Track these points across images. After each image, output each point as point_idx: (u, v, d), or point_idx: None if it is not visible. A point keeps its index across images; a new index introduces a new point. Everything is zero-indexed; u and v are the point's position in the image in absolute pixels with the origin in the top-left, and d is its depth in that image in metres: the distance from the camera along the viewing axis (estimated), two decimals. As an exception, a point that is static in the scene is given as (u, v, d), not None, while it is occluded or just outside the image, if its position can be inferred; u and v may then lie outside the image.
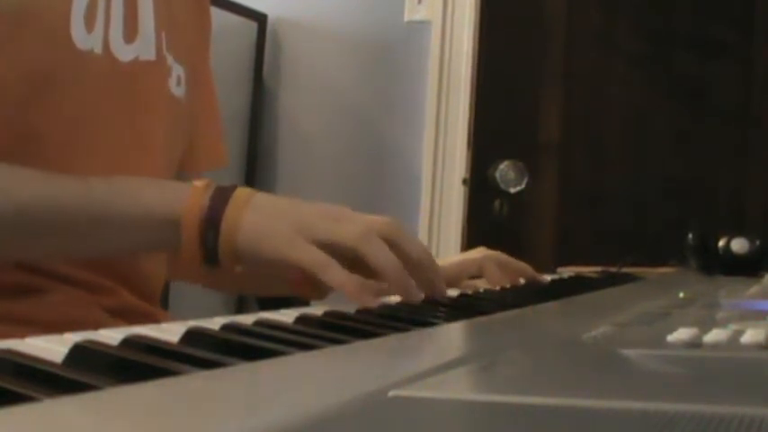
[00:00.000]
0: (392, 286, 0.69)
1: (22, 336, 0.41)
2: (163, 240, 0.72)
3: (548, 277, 1.14)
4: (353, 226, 0.69)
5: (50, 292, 0.77)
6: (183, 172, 0.95)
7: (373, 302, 0.66)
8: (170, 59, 0.88)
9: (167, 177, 0.90)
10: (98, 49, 0.79)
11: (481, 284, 0.98)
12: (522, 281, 1.02)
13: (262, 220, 0.69)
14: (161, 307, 0.90)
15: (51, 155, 0.76)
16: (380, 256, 0.67)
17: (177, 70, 0.89)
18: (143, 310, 0.84)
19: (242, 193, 0.71)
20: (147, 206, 0.71)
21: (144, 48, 0.84)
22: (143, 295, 0.86)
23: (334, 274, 0.66)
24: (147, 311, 0.85)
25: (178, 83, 0.90)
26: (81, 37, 0.77)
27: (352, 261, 0.69)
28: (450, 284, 0.94)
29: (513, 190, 2.37)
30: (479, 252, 1.01)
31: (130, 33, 0.82)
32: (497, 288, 0.95)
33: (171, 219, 0.70)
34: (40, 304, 0.76)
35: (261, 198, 0.71)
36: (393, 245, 0.69)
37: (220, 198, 0.70)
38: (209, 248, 0.70)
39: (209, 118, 1.01)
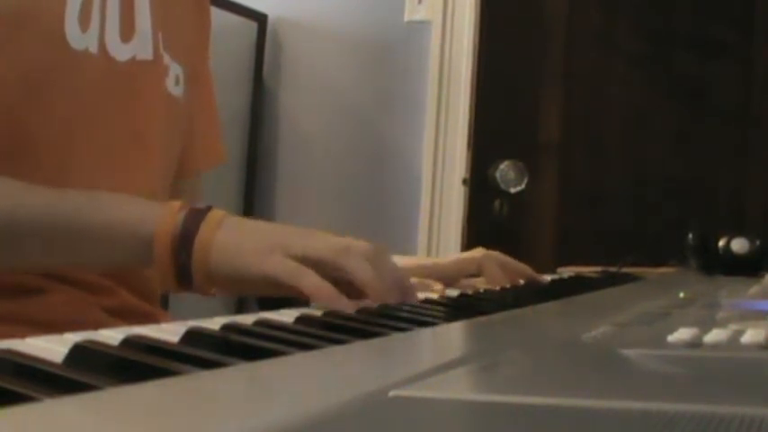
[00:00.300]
0: (370, 294, 0.68)
1: (23, 336, 0.41)
2: (137, 258, 0.71)
3: (548, 277, 1.14)
4: (329, 242, 0.68)
5: (50, 292, 0.77)
6: (182, 172, 0.95)
7: (348, 306, 0.65)
8: (167, 58, 0.88)
9: (166, 176, 0.90)
10: (93, 49, 0.79)
11: (480, 284, 0.98)
12: (521, 282, 1.02)
13: (234, 238, 0.69)
14: (161, 307, 0.91)
15: (48, 155, 0.76)
16: (357, 266, 0.67)
17: (175, 70, 0.89)
18: (143, 310, 0.84)
19: (216, 214, 0.71)
20: (123, 222, 0.71)
21: (141, 47, 0.84)
22: (143, 295, 0.86)
23: (309, 280, 0.65)
24: (147, 312, 0.85)
25: (176, 82, 0.90)
26: (75, 37, 0.77)
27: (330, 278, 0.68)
28: (449, 283, 0.94)
29: (513, 190, 2.37)
30: (479, 252, 1.01)
31: (127, 32, 0.82)
32: (497, 288, 0.95)
33: (144, 236, 0.70)
34: (40, 304, 0.76)
35: (234, 219, 0.71)
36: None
37: (194, 218, 0.70)
38: (182, 267, 0.69)
39: (208, 117, 1.01)
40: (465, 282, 0.98)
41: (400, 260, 0.78)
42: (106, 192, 0.75)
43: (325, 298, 0.64)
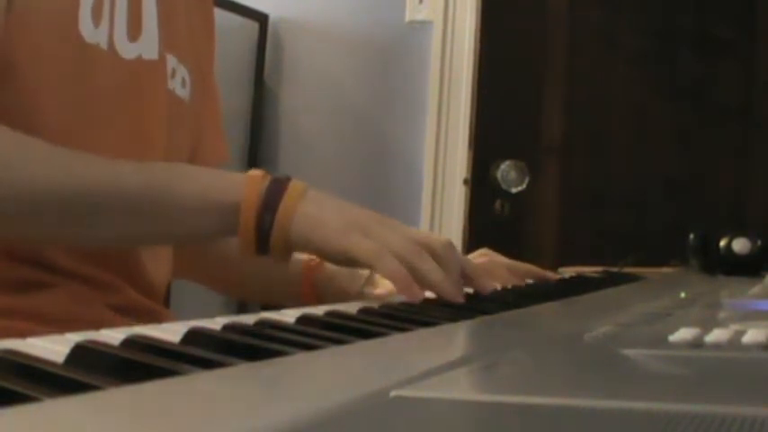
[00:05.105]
0: (439, 294, 0.71)
1: (25, 330, 0.41)
2: (220, 225, 0.74)
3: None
4: (405, 235, 0.72)
5: (55, 287, 0.77)
6: None
7: (421, 295, 0.68)
8: (174, 61, 0.88)
9: None
10: (104, 45, 0.79)
11: None
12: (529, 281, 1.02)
13: (315, 210, 0.72)
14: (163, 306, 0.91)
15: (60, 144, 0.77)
16: (429, 267, 0.70)
17: (182, 72, 0.90)
18: (147, 308, 0.84)
19: (297, 184, 0.74)
20: (206, 191, 0.73)
21: (146, 47, 0.84)
22: (148, 294, 0.86)
23: (387, 262, 0.69)
24: (151, 309, 0.85)
25: (183, 84, 0.90)
26: (88, 31, 0.78)
27: None
28: None
29: (514, 190, 2.37)
30: (483, 256, 1.02)
31: (134, 32, 0.83)
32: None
33: (229, 204, 0.72)
34: (45, 299, 0.76)
35: (315, 192, 0.74)
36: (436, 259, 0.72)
37: (277, 187, 0.73)
38: (263, 235, 0.72)
39: (213, 120, 1.03)
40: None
41: None
42: (182, 164, 0.78)
43: (400, 283, 0.68)
